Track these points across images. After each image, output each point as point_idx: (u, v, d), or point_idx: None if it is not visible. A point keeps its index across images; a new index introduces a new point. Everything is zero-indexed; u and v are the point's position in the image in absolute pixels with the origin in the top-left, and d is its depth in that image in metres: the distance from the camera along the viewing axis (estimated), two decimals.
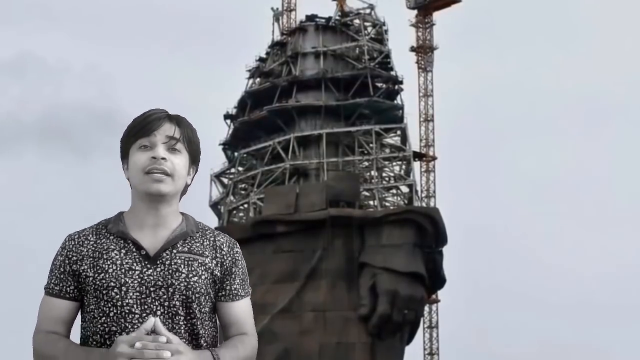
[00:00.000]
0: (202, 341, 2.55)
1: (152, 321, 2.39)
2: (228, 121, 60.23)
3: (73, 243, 2.59)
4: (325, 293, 48.49)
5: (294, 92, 56.89)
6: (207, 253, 2.60)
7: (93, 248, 2.56)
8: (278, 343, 46.15)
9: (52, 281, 2.58)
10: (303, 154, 55.67)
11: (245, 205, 56.44)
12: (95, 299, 2.51)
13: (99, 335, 2.49)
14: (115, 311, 2.48)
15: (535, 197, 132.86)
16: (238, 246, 2.70)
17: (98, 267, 2.51)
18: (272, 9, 62.50)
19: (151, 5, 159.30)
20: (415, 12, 63.04)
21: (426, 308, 58.42)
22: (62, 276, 2.57)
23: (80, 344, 2.55)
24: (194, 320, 2.53)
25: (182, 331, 2.50)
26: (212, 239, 2.64)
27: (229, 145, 59.79)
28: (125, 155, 2.62)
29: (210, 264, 2.58)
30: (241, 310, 2.64)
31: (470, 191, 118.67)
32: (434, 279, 51.70)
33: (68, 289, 2.56)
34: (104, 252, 2.53)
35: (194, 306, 2.53)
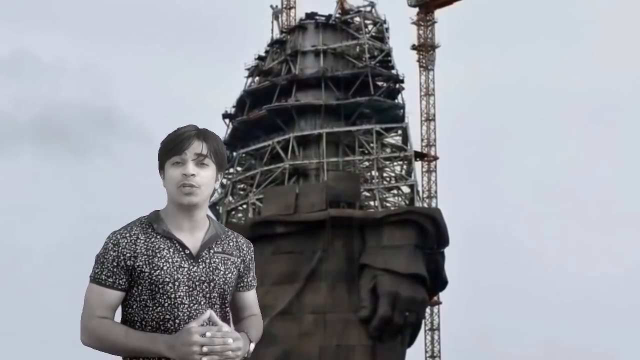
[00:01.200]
0: (228, 324, 3.09)
1: (208, 313, 2.89)
2: (227, 120, 60.31)
3: (126, 241, 3.00)
4: (325, 295, 48.54)
5: (293, 91, 56.94)
6: (235, 253, 3.14)
7: (145, 246, 2.99)
8: (277, 345, 46.19)
9: (104, 273, 2.97)
10: (303, 153, 55.73)
11: (244, 206, 56.51)
12: (149, 292, 2.96)
13: (153, 322, 2.96)
14: (169, 302, 2.95)
15: (538, 197, 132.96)
16: (252, 245, 3.27)
17: (154, 264, 2.96)
18: (271, 6, 62.56)
19: (148, 3, 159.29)
20: (416, 9, 63.06)
21: (427, 310, 58.49)
22: (115, 270, 2.97)
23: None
24: (225, 308, 3.12)
25: (220, 317, 3.01)
26: (234, 240, 3.18)
27: (227, 145, 59.68)
28: (161, 167, 3.07)
29: (237, 262, 3.13)
30: (253, 296, 3.31)
31: (472, 191, 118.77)
32: (436, 281, 51.73)
33: (121, 281, 2.97)
34: (156, 250, 2.98)
35: (227, 298, 3.10)
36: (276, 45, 61.19)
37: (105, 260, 2.99)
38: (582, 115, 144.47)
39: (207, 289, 3.02)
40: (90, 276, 3.03)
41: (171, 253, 3.00)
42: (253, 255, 3.26)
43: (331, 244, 48.99)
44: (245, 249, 3.19)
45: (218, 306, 3.06)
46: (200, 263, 3.02)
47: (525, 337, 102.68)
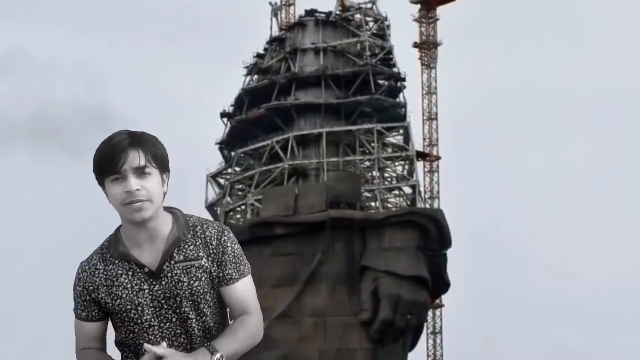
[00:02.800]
0: (214, 331, 2.96)
1: (163, 346, 2.79)
2: (225, 119, 60.33)
3: (86, 274, 2.95)
4: (325, 297, 48.57)
5: (292, 90, 56.97)
6: (201, 254, 2.91)
7: (104, 276, 2.92)
8: (276, 349, 46.18)
9: (79, 307, 2.98)
10: (302, 153, 55.75)
11: (243, 207, 56.54)
12: (119, 319, 2.93)
13: (132, 346, 2.96)
14: (138, 328, 2.91)
15: (542, 198, 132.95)
16: (227, 232, 2.97)
17: (113, 295, 2.90)
18: (270, 3, 62.61)
19: (145, 0, 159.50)
20: (418, 6, 63.05)
21: (429, 313, 58.47)
22: (85, 304, 2.96)
23: (118, 348, 3.02)
24: (204, 317, 2.94)
25: (196, 330, 2.92)
26: (202, 235, 2.94)
27: (225, 145, 59.86)
28: (101, 185, 2.89)
29: (206, 264, 2.90)
30: (239, 291, 2.97)
31: (475, 192, 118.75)
32: (438, 283, 51.76)
33: (93, 312, 2.97)
34: (114, 279, 2.91)
35: (202, 306, 2.92)
36: (275, 42, 61.23)
37: (75, 295, 2.98)
38: (587, 114, 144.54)
39: (175, 305, 2.89)
40: (73, 311, 3.06)
41: (129, 277, 2.89)
42: (228, 244, 2.95)
43: (331, 245, 49.01)
44: (214, 242, 2.93)
45: (193, 319, 2.92)
46: (162, 279, 2.88)
47: (529, 341, 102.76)
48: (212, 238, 2.93)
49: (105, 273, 2.93)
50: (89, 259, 2.99)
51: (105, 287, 2.92)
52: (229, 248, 2.94)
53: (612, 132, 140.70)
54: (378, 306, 47.55)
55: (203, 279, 2.90)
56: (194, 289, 2.88)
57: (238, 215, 57.49)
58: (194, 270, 2.89)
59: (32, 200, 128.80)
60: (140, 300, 2.88)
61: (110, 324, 3.04)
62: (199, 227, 2.96)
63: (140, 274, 2.89)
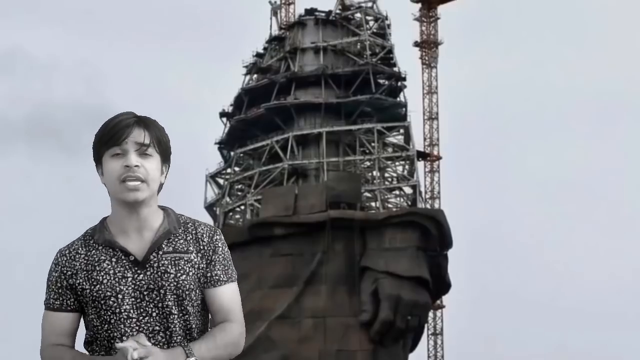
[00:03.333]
0: (195, 334, 2.80)
1: (141, 336, 2.63)
2: (224, 119, 60.33)
3: (65, 259, 2.81)
4: (325, 298, 48.56)
5: (292, 89, 56.98)
6: (191, 248, 2.81)
7: (85, 261, 2.78)
8: (276, 351, 46.18)
9: (52, 296, 2.81)
10: (302, 153, 55.75)
11: (242, 207, 56.53)
12: (94, 309, 2.75)
13: (105, 341, 2.75)
14: (115, 318, 2.72)
15: (544, 198, 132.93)
16: (219, 233, 2.91)
17: (93, 279, 2.74)
18: (270, 2, 62.62)
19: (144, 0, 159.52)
20: (418, 5, 63.09)
21: (430, 314, 58.47)
22: (60, 291, 2.79)
23: (86, 350, 2.81)
24: (187, 316, 2.78)
25: (177, 328, 2.76)
26: (193, 232, 2.86)
27: (224, 145, 59.86)
28: (98, 161, 2.80)
29: (195, 259, 2.81)
30: (225, 296, 2.84)
31: (476, 192, 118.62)
32: (439, 284, 51.74)
33: (68, 301, 2.79)
34: (95, 264, 2.76)
35: (186, 303, 2.77)
36: (275, 42, 61.24)
37: (50, 282, 2.83)
38: (589, 114, 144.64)
39: (157, 298, 2.74)
40: (43, 303, 2.86)
41: (113, 263, 2.76)
42: (219, 244, 2.89)
43: (331, 246, 49.01)
44: (206, 239, 2.85)
45: (175, 315, 2.77)
46: (148, 269, 2.75)
47: (531, 342, 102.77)
48: (204, 235, 2.86)
49: (86, 258, 2.81)
50: (70, 244, 2.87)
51: (84, 272, 2.78)
52: (220, 249, 2.88)
53: (613, 132, 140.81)
54: (378, 307, 47.55)
55: (190, 274, 2.79)
56: (180, 282, 2.76)
57: (237, 216, 57.50)
58: (182, 263, 2.78)
59: (31, 200, 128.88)
60: (121, 287, 2.74)
61: (82, 323, 2.88)
62: (190, 224, 2.89)
63: (125, 262, 2.77)
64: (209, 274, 2.82)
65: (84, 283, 2.75)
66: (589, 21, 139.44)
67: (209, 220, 56.96)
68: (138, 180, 2.72)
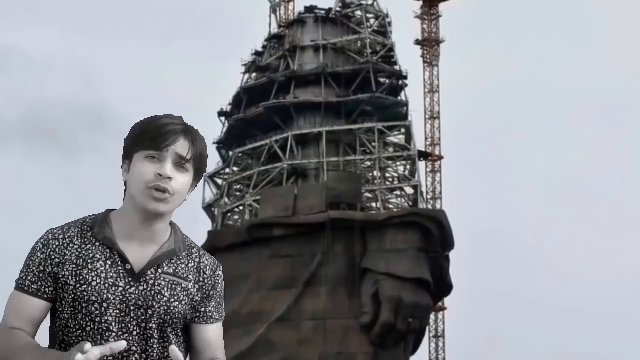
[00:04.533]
0: None
1: (122, 344, 2.40)
2: (222, 118, 60.33)
3: (57, 243, 2.59)
4: (325, 300, 48.55)
5: (292, 88, 56.97)
6: (191, 277, 2.64)
7: (77, 254, 2.57)
8: (275, 353, 46.15)
9: (29, 278, 2.56)
10: (302, 153, 55.74)
11: (241, 208, 56.51)
12: (72, 309, 2.52)
13: (71, 346, 2.49)
14: (92, 326, 2.51)
15: (547, 198, 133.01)
16: (221, 269, 2.75)
17: (81, 277, 2.52)
18: (269, 0, 62.60)
19: None
20: (420, 3, 63.12)
21: (432, 316, 58.46)
22: (41, 275, 2.56)
23: (49, 340, 2.58)
24: (167, 344, 2.58)
25: (155, 353, 2.56)
26: (197, 259, 2.69)
27: (223, 144, 59.85)
28: (128, 157, 2.61)
29: (192, 289, 2.63)
30: (214, 334, 2.70)
31: (478, 192, 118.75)
32: (440, 286, 51.74)
33: (47, 289, 2.55)
34: (88, 260, 2.54)
35: (169, 330, 2.58)
36: (274, 40, 61.23)
37: (31, 262, 2.58)
38: (593, 113, 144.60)
39: (142, 317, 2.54)
40: (15, 281, 2.62)
41: (107, 266, 2.55)
42: (219, 281, 2.74)
43: (331, 247, 49.00)
44: (208, 272, 2.69)
45: (156, 340, 2.57)
46: (142, 284, 2.56)
47: (533, 344, 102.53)
48: (207, 268, 2.70)
49: (79, 250, 2.59)
50: (65, 229, 2.65)
51: (74, 266, 2.56)
52: (219, 285, 2.73)
53: (617, 131, 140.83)
54: (379, 309, 47.54)
55: (183, 303, 2.61)
56: (171, 308, 2.58)
57: (236, 217, 57.46)
58: (179, 289, 2.61)
59: (26, 200, 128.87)
60: (109, 296, 2.53)
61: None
62: (195, 249, 2.73)
63: (120, 268, 2.56)
64: (202, 309, 2.68)
65: (70, 278, 2.53)
66: (593, 19, 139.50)
67: (207, 221, 57.24)
68: (166, 193, 2.54)
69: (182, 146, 2.55)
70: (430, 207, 56.99)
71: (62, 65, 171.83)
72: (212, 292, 2.68)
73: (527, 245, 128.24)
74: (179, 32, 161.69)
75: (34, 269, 2.56)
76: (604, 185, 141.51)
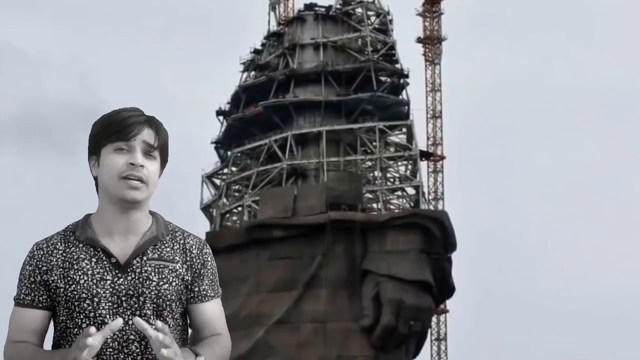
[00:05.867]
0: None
1: (119, 322, 2.50)
2: (220, 118, 60.39)
3: (42, 253, 2.71)
4: (325, 302, 48.55)
5: (291, 87, 56.97)
6: (177, 258, 2.74)
7: (62, 258, 2.68)
8: (275, 356, 46.15)
9: (23, 291, 2.70)
10: (301, 153, 55.76)
11: (239, 208, 56.53)
12: (67, 310, 2.64)
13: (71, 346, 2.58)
14: (87, 322, 2.60)
15: (551, 199, 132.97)
16: (208, 247, 2.85)
17: (69, 278, 2.63)
18: None
19: None
20: (422, 0, 63.13)
21: (434, 319, 58.51)
22: (32, 286, 2.69)
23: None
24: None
25: None
26: (181, 241, 2.79)
27: (221, 144, 59.88)
28: (95, 152, 2.72)
29: (180, 269, 2.73)
30: (212, 311, 2.81)
31: (480, 193, 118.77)
32: (442, 288, 51.76)
33: (40, 298, 2.69)
34: (74, 262, 2.66)
35: (165, 313, 2.69)
36: (273, 38, 61.24)
37: (22, 276, 2.73)
38: (597, 112, 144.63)
39: (136, 305, 2.64)
40: (13, 298, 2.76)
41: (92, 264, 2.66)
42: (209, 259, 2.83)
43: (331, 248, 49.00)
44: (195, 251, 2.79)
45: (153, 325, 2.59)
46: (129, 274, 2.66)
47: (537, 348, 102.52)
48: (193, 247, 2.80)
49: (64, 255, 2.70)
50: (48, 238, 2.77)
51: (61, 270, 2.68)
52: (209, 263, 2.82)
53: (621, 130, 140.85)
54: (380, 312, 47.55)
55: (174, 284, 2.71)
56: (162, 291, 2.67)
57: (235, 217, 57.47)
58: (166, 272, 2.70)
59: (21, 200, 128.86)
60: (99, 290, 2.63)
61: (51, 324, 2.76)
62: (179, 232, 2.82)
63: (105, 263, 2.67)
64: (196, 289, 2.77)
65: (59, 281, 2.65)
66: (596, 16, 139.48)
67: (205, 222, 57.25)
68: (140, 181, 2.66)
69: (148, 135, 2.68)
70: (432, 207, 56.99)
71: (58, 64, 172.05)
72: (202, 271, 2.78)
73: (531, 245, 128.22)
74: (176, 30, 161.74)
75: (25, 281, 2.70)
76: (610, 185, 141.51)
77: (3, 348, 2.72)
